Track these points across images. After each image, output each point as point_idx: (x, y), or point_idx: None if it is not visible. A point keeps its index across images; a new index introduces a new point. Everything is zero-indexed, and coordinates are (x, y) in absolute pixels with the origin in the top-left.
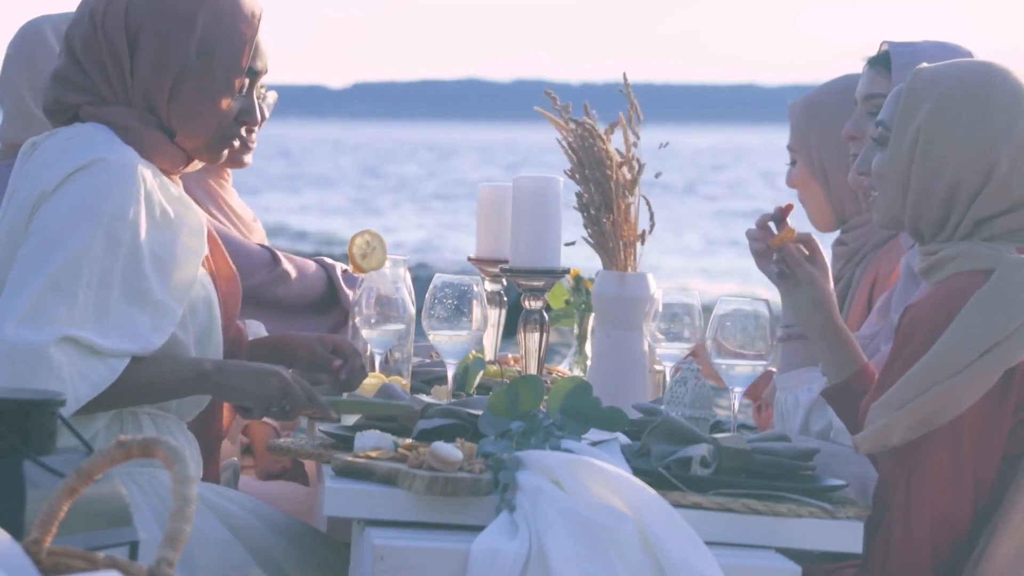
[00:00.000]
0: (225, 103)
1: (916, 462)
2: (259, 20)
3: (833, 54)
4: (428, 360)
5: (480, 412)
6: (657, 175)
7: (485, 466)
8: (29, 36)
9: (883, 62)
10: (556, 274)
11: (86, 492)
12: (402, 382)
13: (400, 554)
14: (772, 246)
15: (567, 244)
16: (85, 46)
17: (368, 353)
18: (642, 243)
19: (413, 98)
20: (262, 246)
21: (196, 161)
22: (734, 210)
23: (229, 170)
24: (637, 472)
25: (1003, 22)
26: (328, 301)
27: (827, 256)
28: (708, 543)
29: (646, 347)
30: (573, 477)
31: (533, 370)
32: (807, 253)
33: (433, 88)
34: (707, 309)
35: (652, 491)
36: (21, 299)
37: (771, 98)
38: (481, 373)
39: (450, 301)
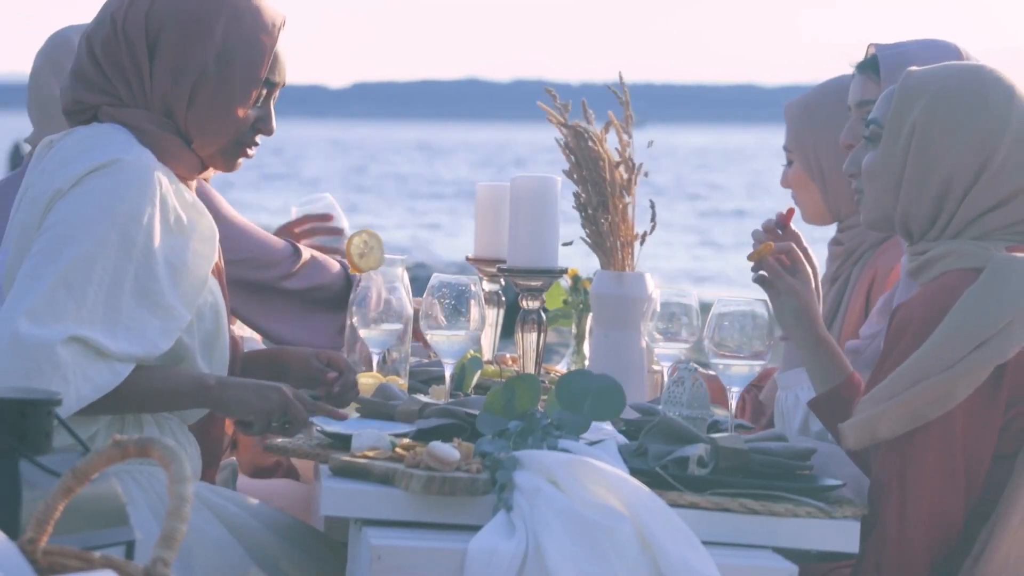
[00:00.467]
0: (242, 112)
1: (909, 460)
2: (280, 30)
3: (833, 55)
4: (426, 360)
5: (478, 412)
6: (645, 174)
7: (482, 466)
8: (58, 44)
9: (871, 66)
10: (554, 274)
11: (82, 492)
12: (399, 382)
13: (397, 554)
14: (750, 260)
15: (565, 244)
16: (105, 48)
17: (365, 353)
18: (641, 244)
19: (412, 98)
20: (286, 240)
21: (211, 168)
22: (721, 211)
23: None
24: (634, 472)
25: (1003, 22)
26: (344, 300)
27: (822, 255)
28: (705, 543)
29: (644, 347)
30: (570, 477)
31: (531, 370)
32: (788, 264)
33: (432, 88)
34: (704, 309)
35: (649, 491)
36: (32, 294)
37: (771, 98)
38: (479, 373)
39: (448, 301)
